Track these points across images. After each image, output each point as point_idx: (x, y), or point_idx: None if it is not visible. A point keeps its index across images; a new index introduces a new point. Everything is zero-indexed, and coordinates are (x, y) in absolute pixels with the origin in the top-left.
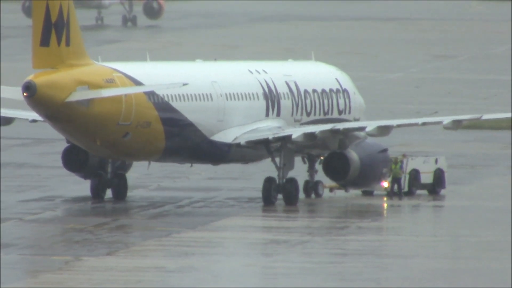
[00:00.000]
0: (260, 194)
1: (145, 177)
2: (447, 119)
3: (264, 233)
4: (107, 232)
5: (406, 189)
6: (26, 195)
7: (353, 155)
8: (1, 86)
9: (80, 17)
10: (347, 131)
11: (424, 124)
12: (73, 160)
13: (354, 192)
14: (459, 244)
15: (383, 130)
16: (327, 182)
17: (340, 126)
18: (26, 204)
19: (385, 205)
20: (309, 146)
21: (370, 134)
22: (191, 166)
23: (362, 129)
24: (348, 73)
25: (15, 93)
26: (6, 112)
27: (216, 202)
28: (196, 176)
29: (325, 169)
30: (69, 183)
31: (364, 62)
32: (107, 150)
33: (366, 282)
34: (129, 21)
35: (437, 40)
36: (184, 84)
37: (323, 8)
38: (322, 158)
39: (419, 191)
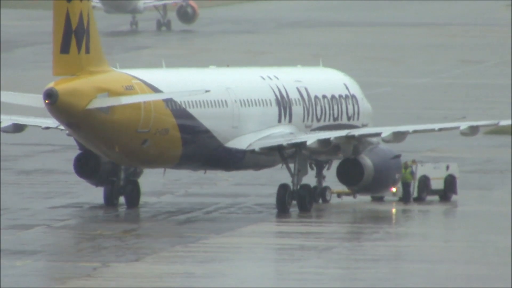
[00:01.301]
0: None
1: (172, 183)
2: (463, 125)
3: (292, 239)
4: (135, 238)
5: (415, 195)
6: (54, 201)
7: (367, 161)
8: (23, 94)
9: (115, 22)
10: (362, 137)
11: (440, 129)
12: (85, 167)
13: (362, 197)
14: (487, 249)
15: (399, 136)
16: (335, 187)
17: (356, 132)
18: (54, 211)
19: (395, 210)
20: (322, 152)
21: (386, 140)
22: (205, 173)
23: (377, 135)
24: (376, 78)
25: (35, 100)
26: (18, 119)
27: (244, 208)
28: (224, 182)
29: (339, 175)
30: (97, 190)
31: (392, 68)
32: (125, 157)
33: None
34: (163, 25)
35: (465, 45)
36: (206, 91)
37: (351, 14)
38: (327, 164)
39: (429, 197)
